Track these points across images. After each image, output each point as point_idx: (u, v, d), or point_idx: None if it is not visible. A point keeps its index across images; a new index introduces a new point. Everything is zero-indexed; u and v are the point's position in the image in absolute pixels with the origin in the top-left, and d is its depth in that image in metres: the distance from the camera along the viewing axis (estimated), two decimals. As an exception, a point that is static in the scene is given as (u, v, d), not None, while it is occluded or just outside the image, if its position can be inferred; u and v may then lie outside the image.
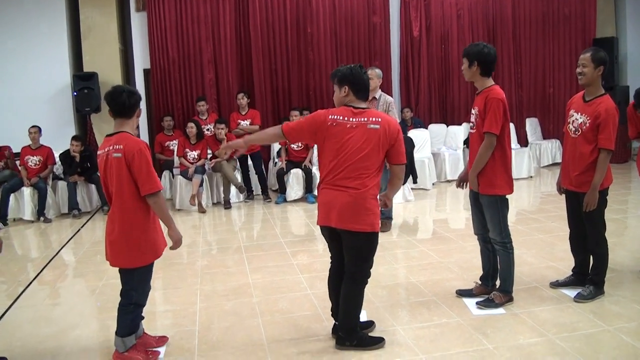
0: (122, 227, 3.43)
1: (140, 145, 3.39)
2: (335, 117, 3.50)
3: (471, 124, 4.25)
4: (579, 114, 4.30)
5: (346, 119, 3.48)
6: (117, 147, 3.38)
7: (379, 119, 3.46)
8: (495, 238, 4.21)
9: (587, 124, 4.21)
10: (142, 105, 10.33)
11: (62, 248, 6.85)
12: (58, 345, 3.99)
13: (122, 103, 3.44)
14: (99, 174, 3.72)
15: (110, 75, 9.84)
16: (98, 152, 3.53)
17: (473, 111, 4.21)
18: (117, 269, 3.58)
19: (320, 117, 3.55)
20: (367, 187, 3.43)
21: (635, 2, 12.16)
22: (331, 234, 3.61)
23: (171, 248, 3.59)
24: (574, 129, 4.33)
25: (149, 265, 3.58)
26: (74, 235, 7.47)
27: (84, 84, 9.52)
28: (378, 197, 3.55)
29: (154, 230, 3.52)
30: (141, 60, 10.34)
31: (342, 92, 3.55)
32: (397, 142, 3.49)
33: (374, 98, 6.62)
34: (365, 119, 3.45)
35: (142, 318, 3.80)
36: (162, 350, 3.78)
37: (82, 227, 7.90)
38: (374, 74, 6.60)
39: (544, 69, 11.89)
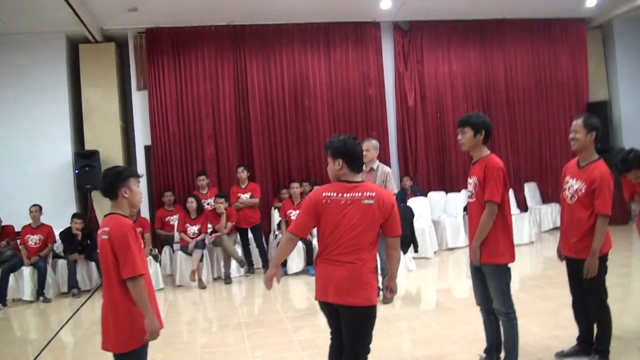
0: (109, 310, 3.38)
1: (124, 228, 3.33)
2: (329, 194, 3.52)
3: (469, 193, 4.27)
4: (575, 179, 4.34)
5: (340, 195, 3.49)
6: (105, 229, 3.37)
7: (373, 194, 3.46)
8: (499, 308, 4.15)
9: (583, 190, 4.24)
10: (143, 181, 10.41)
11: (61, 329, 6.76)
12: None
13: (104, 185, 3.45)
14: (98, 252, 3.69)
15: (111, 153, 9.99)
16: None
17: (470, 180, 4.23)
18: (115, 352, 3.52)
19: (315, 197, 3.57)
20: (364, 260, 3.42)
21: (626, 64, 12.38)
22: (330, 309, 3.57)
23: (146, 339, 3.40)
24: (570, 195, 4.36)
25: (140, 349, 3.45)
26: (73, 315, 7.38)
27: (85, 161, 9.64)
28: (382, 283, 3.53)
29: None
30: (142, 137, 10.49)
31: (337, 166, 3.56)
32: (392, 215, 3.49)
33: (372, 169, 6.67)
34: (360, 194, 3.46)
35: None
36: None
37: (81, 306, 7.81)
38: (371, 145, 6.67)
39: (540, 135, 12.02)
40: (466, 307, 6.32)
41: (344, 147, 3.55)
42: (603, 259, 4.28)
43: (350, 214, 3.43)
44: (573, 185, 4.34)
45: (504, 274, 4.11)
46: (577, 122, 4.32)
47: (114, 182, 3.44)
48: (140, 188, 3.58)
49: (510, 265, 4.14)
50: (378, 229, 3.49)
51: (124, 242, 3.29)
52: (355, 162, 3.57)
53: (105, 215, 3.50)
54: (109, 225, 3.38)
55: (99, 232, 3.44)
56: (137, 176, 3.55)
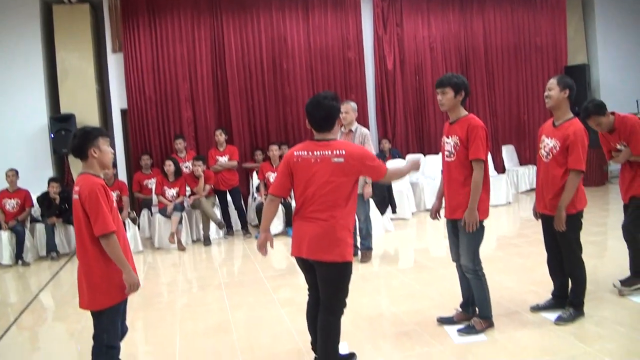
0: (83, 269, 3.40)
1: (93, 186, 3.32)
2: (300, 152, 3.55)
3: (447, 153, 4.30)
4: (550, 138, 4.38)
5: (310, 153, 3.51)
6: (76, 188, 3.38)
7: (343, 152, 3.45)
8: (467, 264, 4.23)
9: (558, 148, 4.29)
10: (120, 144, 10.32)
11: (40, 291, 6.75)
12: (35, 391, 3.92)
13: (73, 146, 3.44)
14: None
15: (87, 116, 9.84)
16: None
17: (449, 140, 4.26)
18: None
19: (287, 156, 3.62)
20: (337, 217, 3.44)
21: (605, 29, 12.47)
22: (306, 265, 3.61)
23: (126, 292, 3.43)
24: (545, 153, 4.41)
25: (116, 306, 3.47)
26: (52, 277, 7.37)
27: (61, 125, 9.52)
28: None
29: (118, 270, 3.38)
30: (118, 100, 10.38)
31: (308, 125, 3.62)
32: (366, 166, 3.48)
33: (350, 131, 6.68)
34: (330, 152, 3.46)
35: (120, 363, 3.74)
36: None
37: (60, 269, 7.80)
38: (350, 107, 6.68)
39: (518, 97, 12.11)
40: (443, 265, 6.40)
41: (308, 106, 3.59)
42: (578, 216, 4.35)
43: (320, 172, 3.45)
44: (548, 143, 4.39)
45: (479, 231, 4.17)
46: (552, 80, 4.38)
47: (82, 142, 3.43)
48: (117, 151, 3.58)
49: (486, 224, 4.20)
50: (351, 187, 3.49)
51: (93, 200, 3.29)
52: (315, 122, 3.56)
53: (78, 176, 3.50)
54: (79, 185, 3.38)
55: (74, 191, 3.44)
56: (106, 135, 3.53)
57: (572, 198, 4.22)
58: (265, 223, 3.74)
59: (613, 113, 4.94)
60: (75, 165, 9.57)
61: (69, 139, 9.09)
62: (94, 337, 3.49)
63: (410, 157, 10.26)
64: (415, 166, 3.96)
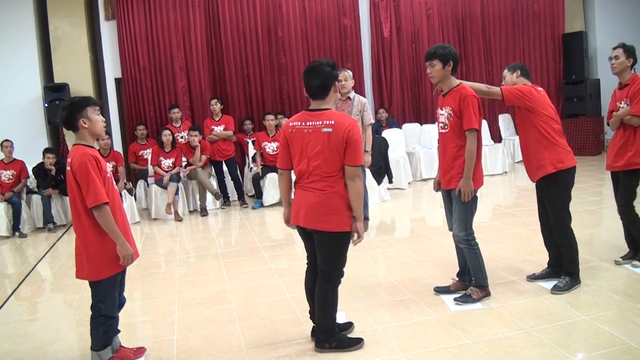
0: (80, 240, 3.42)
1: (83, 157, 3.29)
2: (295, 123, 3.54)
3: (441, 125, 4.29)
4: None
5: (303, 124, 3.49)
6: (69, 160, 3.37)
7: (332, 122, 3.41)
8: (459, 234, 4.25)
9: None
10: (114, 114, 10.23)
11: (38, 263, 6.76)
12: (36, 362, 3.94)
13: (63, 118, 3.42)
14: None
15: (81, 86, 9.73)
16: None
17: (442, 111, 4.24)
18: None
19: (284, 128, 3.63)
20: (333, 187, 3.44)
21: (603, -4, 12.37)
22: (305, 233, 3.63)
23: (120, 264, 3.44)
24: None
25: (114, 277, 3.50)
26: (49, 249, 7.38)
27: (55, 95, 9.42)
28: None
29: (114, 241, 3.39)
30: (112, 70, 10.27)
31: (305, 93, 3.60)
32: (350, 143, 3.38)
33: (348, 98, 6.65)
34: (320, 123, 3.43)
35: (118, 332, 3.76)
36: (140, 361, 3.76)
37: (57, 240, 7.80)
38: (348, 75, 6.65)
39: (515, 65, 11.99)
40: (439, 235, 6.44)
41: (304, 72, 3.56)
42: (565, 182, 4.37)
43: (312, 142, 3.44)
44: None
45: (472, 201, 4.18)
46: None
47: (70, 113, 3.40)
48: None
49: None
50: (343, 158, 3.44)
51: (83, 171, 3.28)
52: (309, 89, 3.52)
53: (71, 148, 3.48)
54: (70, 156, 3.38)
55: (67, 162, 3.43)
56: (95, 104, 3.48)
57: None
58: (284, 198, 3.79)
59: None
60: (70, 136, 9.45)
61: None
62: (92, 308, 3.52)
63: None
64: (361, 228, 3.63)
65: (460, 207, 4.19)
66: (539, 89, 4.55)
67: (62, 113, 3.42)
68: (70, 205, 3.45)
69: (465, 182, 4.10)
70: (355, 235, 3.54)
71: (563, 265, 4.53)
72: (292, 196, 3.71)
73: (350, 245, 3.59)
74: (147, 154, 9.35)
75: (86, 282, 3.51)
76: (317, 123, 3.44)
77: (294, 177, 3.67)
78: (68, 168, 3.36)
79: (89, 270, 3.43)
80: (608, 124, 5.05)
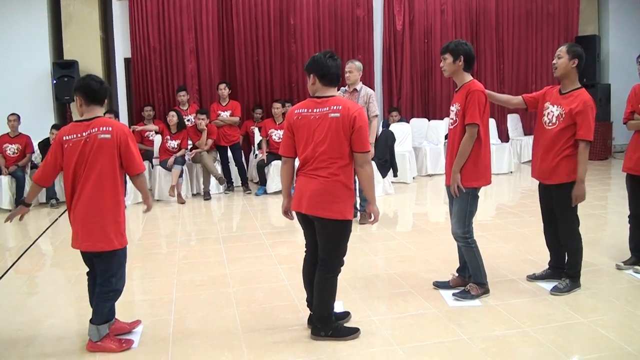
0: (100, 210, 3.44)
1: (125, 129, 3.53)
2: (300, 110, 3.54)
3: (451, 120, 4.27)
4: (555, 106, 4.32)
5: (309, 110, 3.50)
6: (105, 128, 3.42)
7: (340, 107, 3.43)
8: (457, 231, 4.23)
9: (564, 116, 4.23)
10: (122, 94, 10.23)
11: (39, 237, 6.78)
12: (32, 334, 3.94)
13: (97, 90, 3.50)
14: None
15: (90, 64, 9.73)
16: (65, 138, 3.47)
17: (453, 107, 4.23)
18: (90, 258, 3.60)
19: (288, 115, 3.63)
20: (337, 175, 3.44)
21: (617, 1, 12.25)
22: (305, 220, 3.63)
23: (145, 211, 3.93)
24: (548, 120, 4.35)
25: (126, 249, 3.62)
26: (51, 224, 7.40)
27: (64, 72, 9.42)
28: (359, 204, 3.53)
29: (124, 214, 3.59)
30: (122, 49, 10.25)
31: (310, 81, 3.57)
32: (357, 129, 3.41)
33: (355, 90, 6.62)
34: (327, 108, 3.45)
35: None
36: (136, 339, 3.74)
37: (60, 216, 7.81)
38: (354, 67, 6.63)
39: (527, 66, 11.95)
40: (441, 230, 6.42)
41: (313, 61, 3.55)
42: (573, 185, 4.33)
43: (319, 128, 3.44)
44: (553, 111, 4.33)
45: (472, 199, 4.17)
46: (561, 48, 4.32)
47: (106, 89, 3.59)
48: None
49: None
50: (348, 144, 3.45)
51: (130, 142, 3.48)
52: (325, 75, 3.51)
53: (84, 120, 3.50)
54: (109, 126, 3.45)
55: (79, 135, 3.43)
56: None
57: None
58: (284, 188, 3.79)
59: None
60: (77, 114, 9.48)
61: (71, 86, 9.08)
62: (102, 282, 3.56)
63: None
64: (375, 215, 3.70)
65: (459, 204, 4.18)
66: None
67: (101, 87, 3.52)
68: (83, 177, 3.43)
69: (453, 176, 4.12)
70: (371, 216, 3.62)
71: (565, 267, 4.51)
72: (292, 190, 3.70)
73: (350, 237, 3.60)
74: (153, 134, 9.34)
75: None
76: (325, 109, 3.45)
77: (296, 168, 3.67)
78: (107, 136, 3.40)
79: (107, 241, 3.46)
80: (624, 123, 4.98)
